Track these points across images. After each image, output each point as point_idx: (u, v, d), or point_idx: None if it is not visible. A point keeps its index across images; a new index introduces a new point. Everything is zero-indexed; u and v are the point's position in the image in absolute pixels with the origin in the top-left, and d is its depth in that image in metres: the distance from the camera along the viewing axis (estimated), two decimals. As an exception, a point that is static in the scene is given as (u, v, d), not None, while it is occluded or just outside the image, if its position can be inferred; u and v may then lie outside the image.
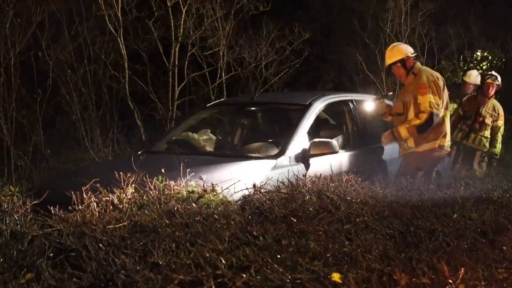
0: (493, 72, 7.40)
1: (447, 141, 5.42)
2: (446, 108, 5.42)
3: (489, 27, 13.11)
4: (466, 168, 6.41)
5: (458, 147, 7.37)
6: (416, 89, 5.28)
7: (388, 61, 5.51)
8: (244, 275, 2.16)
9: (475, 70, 8.13)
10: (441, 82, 5.38)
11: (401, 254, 2.40)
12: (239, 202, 3.56)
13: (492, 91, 7.10)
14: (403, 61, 5.42)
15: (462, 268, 2.20)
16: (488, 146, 7.25)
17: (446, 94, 5.44)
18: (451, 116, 6.53)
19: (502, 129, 7.34)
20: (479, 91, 7.32)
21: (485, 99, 7.13)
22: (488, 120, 7.18)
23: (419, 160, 5.31)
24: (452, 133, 6.50)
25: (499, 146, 7.33)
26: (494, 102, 7.28)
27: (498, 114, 7.26)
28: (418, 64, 5.50)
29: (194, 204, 3.18)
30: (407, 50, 5.50)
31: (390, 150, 5.82)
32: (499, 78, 7.21)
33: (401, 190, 3.78)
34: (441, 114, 5.27)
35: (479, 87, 7.35)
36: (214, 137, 6.01)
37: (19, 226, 2.79)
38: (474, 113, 7.20)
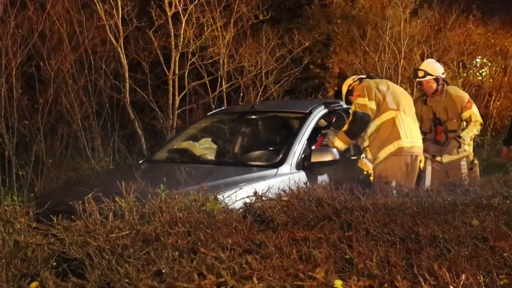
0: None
1: (407, 143, 5.15)
2: (398, 109, 5.19)
3: (488, 34, 13.17)
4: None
5: None
6: None
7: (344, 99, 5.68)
8: (247, 283, 2.18)
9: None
10: (382, 86, 5.30)
11: (402, 260, 2.41)
12: (240, 210, 3.57)
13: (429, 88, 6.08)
14: (349, 92, 5.51)
15: (463, 275, 2.22)
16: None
17: (395, 96, 5.27)
18: None
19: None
20: None
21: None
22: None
23: (386, 171, 5.11)
24: None
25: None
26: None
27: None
28: (364, 81, 5.45)
29: (196, 213, 3.20)
30: (348, 82, 5.59)
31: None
32: (428, 69, 6.01)
33: (402, 197, 3.79)
34: (369, 114, 5.13)
35: None
36: (215, 146, 6.03)
37: (22, 236, 2.80)
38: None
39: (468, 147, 6.07)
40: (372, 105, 5.18)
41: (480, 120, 6.00)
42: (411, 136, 5.22)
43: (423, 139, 5.65)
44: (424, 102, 6.16)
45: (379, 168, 5.19)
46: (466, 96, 6.12)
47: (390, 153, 5.14)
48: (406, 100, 5.41)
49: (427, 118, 6.08)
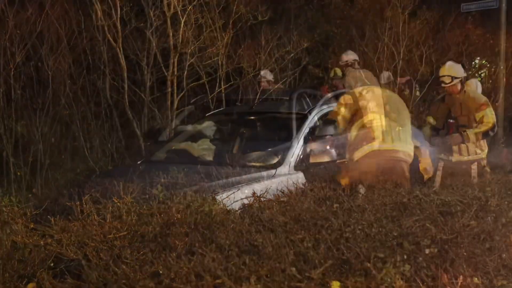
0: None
1: (383, 146, 4.98)
2: (380, 113, 5.05)
3: (487, 35, 13.16)
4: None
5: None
6: None
7: None
8: (244, 284, 2.17)
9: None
10: (366, 92, 5.20)
11: (400, 261, 2.41)
12: (239, 211, 3.57)
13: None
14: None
15: (461, 276, 2.21)
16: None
17: (379, 101, 5.16)
18: None
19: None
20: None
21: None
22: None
23: (357, 173, 4.93)
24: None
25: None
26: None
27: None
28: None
29: (194, 214, 3.19)
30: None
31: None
32: (452, 73, 6.03)
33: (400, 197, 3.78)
34: (339, 119, 5.09)
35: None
36: (213, 147, 6.02)
37: (20, 237, 2.79)
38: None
39: (480, 151, 6.12)
40: (345, 113, 5.12)
41: (492, 121, 5.99)
42: (389, 140, 4.99)
43: (435, 136, 5.99)
44: (442, 100, 6.28)
45: (351, 170, 5.01)
46: (482, 99, 6.17)
47: (363, 155, 4.98)
48: (395, 106, 5.27)
49: (442, 115, 6.17)
